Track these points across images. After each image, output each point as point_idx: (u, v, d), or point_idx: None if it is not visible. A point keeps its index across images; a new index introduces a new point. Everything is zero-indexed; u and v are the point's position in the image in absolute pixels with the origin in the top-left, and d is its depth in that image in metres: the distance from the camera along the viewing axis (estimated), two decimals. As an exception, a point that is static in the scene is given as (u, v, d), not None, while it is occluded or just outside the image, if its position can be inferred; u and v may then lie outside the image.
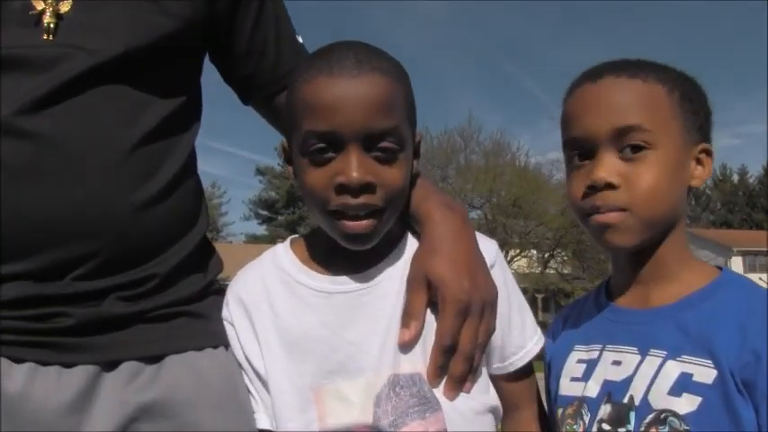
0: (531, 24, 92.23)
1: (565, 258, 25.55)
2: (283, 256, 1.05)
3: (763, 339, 0.83)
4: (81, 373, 0.89)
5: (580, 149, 0.96)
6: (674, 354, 0.89)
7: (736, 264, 44.62)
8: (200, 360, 0.98)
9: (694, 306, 0.92)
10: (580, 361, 1.00)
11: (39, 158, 0.89)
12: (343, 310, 0.99)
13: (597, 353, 0.98)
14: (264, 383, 1.00)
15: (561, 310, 1.16)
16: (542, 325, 1.13)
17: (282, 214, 52.49)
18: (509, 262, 23.20)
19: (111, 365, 0.92)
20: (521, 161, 25.31)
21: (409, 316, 0.97)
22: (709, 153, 0.97)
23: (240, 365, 1.02)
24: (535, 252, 25.26)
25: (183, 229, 1.02)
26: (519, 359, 1.04)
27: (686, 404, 0.85)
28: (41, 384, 0.88)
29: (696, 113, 0.96)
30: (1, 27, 0.92)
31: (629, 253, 0.98)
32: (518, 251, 23.92)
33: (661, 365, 0.89)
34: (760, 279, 43.31)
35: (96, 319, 0.91)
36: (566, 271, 25.96)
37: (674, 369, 0.88)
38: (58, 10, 0.93)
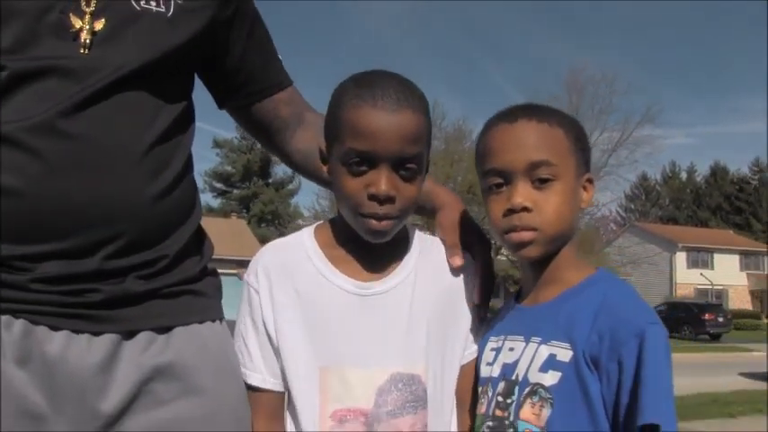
0: (498, 12, 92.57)
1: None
2: (309, 244, 1.21)
3: (606, 323, 1.02)
4: (107, 340, 1.04)
5: (499, 178, 1.14)
6: (546, 339, 1.09)
7: (681, 259, 45.95)
8: (201, 331, 1.14)
9: (566, 301, 1.11)
10: (492, 349, 1.20)
11: (75, 155, 1.02)
12: (359, 308, 1.16)
13: (501, 342, 1.19)
14: (275, 349, 1.17)
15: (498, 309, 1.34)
16: (492, 310, 1.33)
17: (237, 188, 52.08)
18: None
19: (130, 334, 1.07)
20: (478, 148, 25.67)
21: (456, 248, 1.24)
22: (591, 181, 1.18)
23: (256, 328, 1.20)
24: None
25: (185, 217, 1.16)
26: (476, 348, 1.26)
27: (550, 378, 1.05)
28: (75, 349, 1.02)
29: (584, 150, 1.17)
30: (38, 37, 1.04)
31: (531, 266, 1.18)
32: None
33: (537, 349, 1.09)
34: (701, 275, 44.47)
35: (120, 296, 1.06)
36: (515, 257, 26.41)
37: (544, 351, 1.08)
38: (94, 28, 1.06)
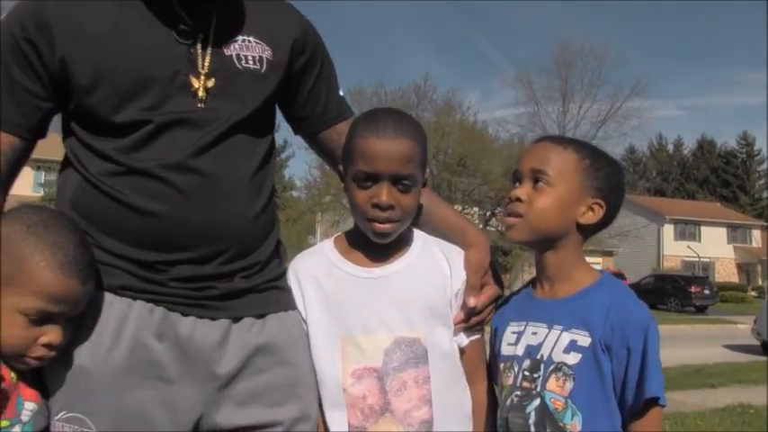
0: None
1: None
2: (329, 248, 1.53)
3: (617, 318, 1.32)
4: (221, 324, 1.36)
5: (515, 177, 1.48)
6: (567, 328, 1.37)
7: (668, 231, 46.20)
8: (286, 318, 1.46)
9: (582, 298, 1.40)
10: (513, 332, 1.47)
11: (201, 186, 1.33)
12: (367, 289, 1.46)
13: (523, 326, 1.45)
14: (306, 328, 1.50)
15: (506, 295, 1.58)
16: None
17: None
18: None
19: (237, 320, 1.39)
20: (469, 121, 25.59)
21: (475, 290, 1.48)
22: (600, 206, 1.43)
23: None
24: (477, 210, 25.74)
25: (271, 230, 1.48)
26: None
27: (572, 358, 1.34)
28: (199, 330, 1.34)
29: (597, 178, 1.43)
30: (170, 97, 1.33)
31: (538, 258, 1.48)
32: (461, 208, 24.36)
33: (559, 335, 1.37)
34: (688, 247, 44.72)
35: (230, 291, 1.38)
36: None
37: (566, 337, 1.36)
38: (207, 86, 1.36)
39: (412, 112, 24.40)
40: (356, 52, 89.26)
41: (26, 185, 32.37)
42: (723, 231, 48.29)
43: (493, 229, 25.96)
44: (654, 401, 1.30)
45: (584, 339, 1.34)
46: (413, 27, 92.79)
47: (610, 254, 40.58)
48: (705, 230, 47.33)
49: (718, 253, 46.55)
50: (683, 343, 12.86)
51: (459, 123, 24.83)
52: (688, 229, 47.14)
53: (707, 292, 29.97)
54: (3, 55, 1.30)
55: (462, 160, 23.10)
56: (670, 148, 71.27)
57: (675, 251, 45.57)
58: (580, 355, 1.33)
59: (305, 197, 26.93)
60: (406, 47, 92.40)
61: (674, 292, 29.83)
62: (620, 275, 34.90)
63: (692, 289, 29.50)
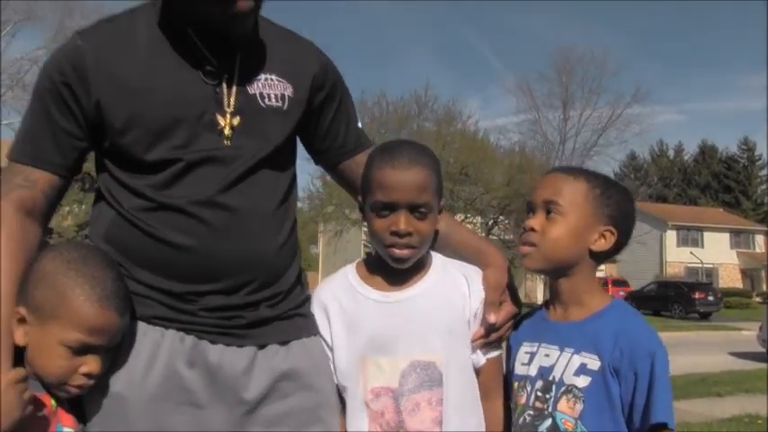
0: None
1: (507, 226, 26.16)
2: (350, 273, 1.59)
3: (626, 343, 1.38)
4: (248, 351, 1.43)
5: (529, 207, 1.54)
6: (578, 351, 1.42)
7: (671, 237, 46.15)
8: (308, 344, 1.52)
9: (592, 322, 1.45)
10: (526, 352, 1.53)
11: (228, 221, 1.39)
12: (386, 313, 1.51)
13: (536, 347, 1.51)
14: (330, 350, 1.55)
15: (523, 315, 1.62)
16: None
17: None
18: (454, 228, 23.58)
19: (262, 347, 1.45)
20: (470, 130, 25.63)
21: (495, 306, 1.53)
22: (612, 233, 1.49)
23: None
24: (480, 219, 25.76)
25: (293, 259, 1.53)
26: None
27: (582, 381, 1.40)
28: (228, 357, 1.40)
29: (608, 205, 1.49)
30: (198, 135, 1.40)
31: (552, 283, 1.54)
32: (463, 218, 24.36)
33: (570, 358, 1.43)
34: (691, 253, 44.60)
35: (256, 320, 1.44)
36: (508, 238, 26.64)
37: (577, 360, 1.42)
38: (233, 124, 1.42)
39: (413, 122, 24.58)
40: (357, 62, 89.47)
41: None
42: (726, 237, 48.21)
43: (495, 237, 26.00)
44: (662, 426, 1.34)
45: (594, 363, 1.39)
46: (414, 35, 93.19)
47: (613, 261, 40.40)
48: (708, 236, 47.26)
49: (722, 259, 46.46)
50: (687, 350, 12.76)
51: (460, 132, 24.89)
52: (691, 235, 47.08)
53: (711, 298, 29.79)
54: (43, 98, 1.39)
55: (464, 169, 23.13)
56: (671, 153, 71.28)
57: (678, 257, 45.51)
58: (590, 379, 1.38)
59: (307, 207, 26.98)
60: (406, 55, 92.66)
61: (678, 299, 29.72)
62: (623, 282, 35.02)
63: (696, 295, 29.36)
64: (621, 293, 34.08)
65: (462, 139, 24.44)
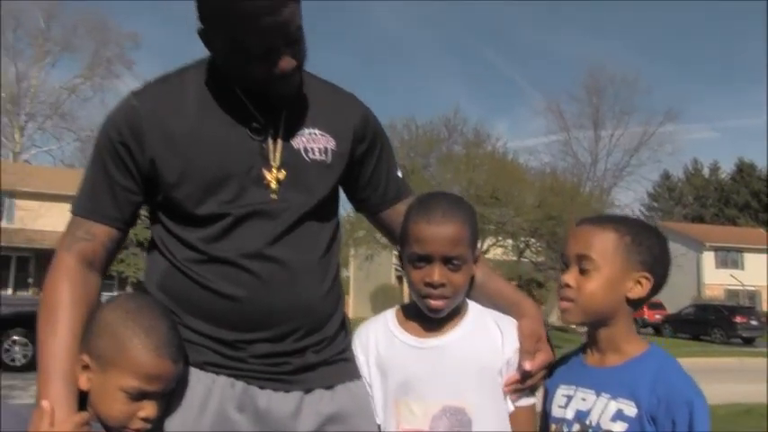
0: (512, 8, 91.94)
1: (539, 248, 25.86)
2: (390, 318, 1.66)
3: (663, 390, 1.38)
4: (295, 396, 1.49)
5: (563, 260, 1.56)
6: (614, 396, 1.43)
7: (708, 259, 45.11)
8: (353, 387, 1.57)
9: (629, 369, 1.46)
10: (563, 395, 1.55)
11: (276, 272, 1.46)
12: (420, 358, 1.56)
13: (573, 391, 1.53)
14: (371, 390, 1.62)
15: (557, 359, 1.64)
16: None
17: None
18: (485, 251, 23.39)
19: (308, 391, 1.50)
20: (499, 152, 25.51)
21: (530, 355, 1.56)
22: (647, 279, 1.49)
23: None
24: (511, 241, 25.51)
25: (337, 306, 1.60)
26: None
27: (619, 427, 1.40)
28: (275, 402, 1.47)
29: (639, 252, 1.49)
30: (246, 189, 1.47)
31: (590, 330, 1.55)
32: (494, 240, 24.15)
33: (606, 403, 1.44)
34: (731, 275, 43.52)
35: (303, 366, 1.51)
36: (540, 260, 26.30)
37: (613, 406, 1.42)
38: (279, 178, 1.49)
39: (442, 146, 24.61)
40: (386, 87, 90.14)
41: (62, 223, 33.09)
42: (768, 258, 46.96)
43: (527, 260, 25.71)
44: None
45: (631, 410, 1.40)
46: (442, 58, 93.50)
47: (649, 283, 39.65)
48: (749, 257, 46.04)
49: (765, 281, 45.19)
50: (730, 377, 12.25)
51: (489, 155, 24.78)
52: (730, 257, 45.96)
53: (754, 322, 28.71)
54: (102, 156, 1.48)
55: (494, 192, 22.97)
56: (706, 172, 69.97)
57: (717, 279, 44.37)
58: (626, 425, 1.39)
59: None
60: (435, 78, 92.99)
61: (718, 323, 28.78)
62: (659, 305, 34.29)
63: (738, 319, 28.36)
64: (658, 316, 33.49)
65: (492, 162, 24.31)
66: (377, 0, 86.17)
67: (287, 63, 1.41)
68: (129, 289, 28.06)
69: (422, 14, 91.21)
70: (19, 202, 33.00)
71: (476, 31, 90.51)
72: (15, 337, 12.44)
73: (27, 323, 12.32)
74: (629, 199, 68.89)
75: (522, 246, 25.22)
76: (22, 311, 12.80)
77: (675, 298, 37.94)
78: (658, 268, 1.51)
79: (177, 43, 79.37)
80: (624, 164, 41.22)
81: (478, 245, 1.62)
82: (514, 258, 25.68)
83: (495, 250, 24.58)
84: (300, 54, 1.45)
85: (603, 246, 1.49)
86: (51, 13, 45.04)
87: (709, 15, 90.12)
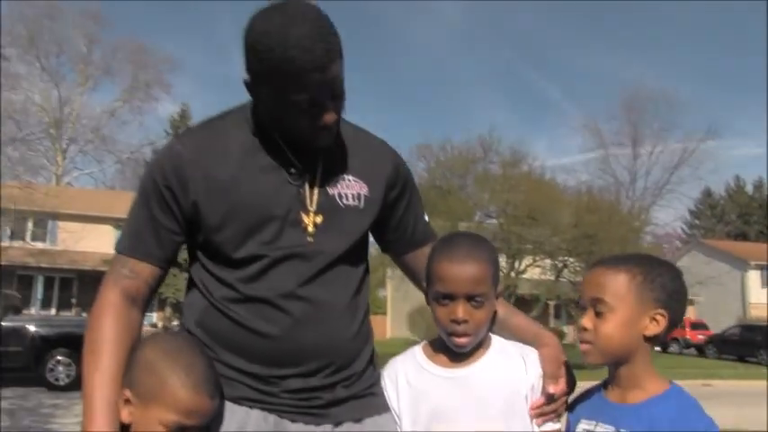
0: (548, 25, 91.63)
1: (577, 269, 25.52)
2: (418, 352, 1.73)
3: (681, 429, 1.41)
4: (325, 429, 1.55)
5: (579, 305, 1.61)
6: None
7: (754, 278, 43.87)
8: (380, 420, 1.63)
9: (649, 407, 1.50)
10: (584, 429, 1.59)
11: (309, 312, 1.53)
12: (449, 388, 1.64)
13: (593, 425, 1.57)
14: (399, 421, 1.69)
15: (579, 394, 1.70)
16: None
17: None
18: (522, 271, 23.16)
19: (338, 424, 1.57)
20: (536, 172, 25.33)
21: (554, 379, 1.64)
22: (663, 315, 1.52)
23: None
24: (549, 261, 25.22)
25: (366, 343, 1.67)
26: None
27: None
28: None
29: (652, 290, 1.53)
30: (283, 232, 1.54)
31: (610, 368, 1.59)
32: (532, 260, 23.90)
33: None
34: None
35: (333, 400, 1.57)
36: (578, 280, 25.92)
37: None
38: (316, 222, 1.57)
39: (478, 165, 24.49)
40: (422, 107, 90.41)
41: (109, 244, 33.72)
42: (817, 277, 45.49)
43: (565, 279, 25.36)
44: None
45: None
46: (478, 77, 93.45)
47: (690, 302, 38.95)
48: (797, 276, 44.70)
49: (814, 301, 43.79)
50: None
51: (526, 175, 24.60)
52: (776, 275, 44.69)
53: (803, 343, 27.87)
54: (147, 197, 1.56)
55: (531, 212, 22.75)
56: (749, 189, 68.44)
57: (763, 299, 43.01)
58: None
59: (375, 253, 27.10)
60: (471, 97, 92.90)
61: (765, 344, 27.95)
62: (701, 325, 33.49)
63: (786, 340, 27.56)
64: (701, 337, 32.65)
65: (529, 182, 24.12)
66: (411, 19, 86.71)
67: (330, 117, 1.49)
68: (168, 310, 28.43)
69: (459, 34, 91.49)
70: (62, 224, 33.81)
71: (513, 50, 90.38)
72: (59, 357, 12.69)
73: (70, 343, 12.59)
74: (670, 217, 67.71)
75: (560, 265, 24.90)
76: (66, 332, 13.07)
77: (719, 318, 37.10)
78: (673, 303, 1.54)
79: (214, 66, 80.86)
80: (664, 181, 40.63)
81: (500, 280, 1.68)
82: (552, 278, 25.35)
83: (533, 270, 24.30)
84: (341, 107, 1.53)
85: (616, 288, 1.53)
86: (93, 38, 46.45)
87: (752, 28, 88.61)
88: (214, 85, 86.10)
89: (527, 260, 23.84)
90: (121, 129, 53.90)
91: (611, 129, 42.60)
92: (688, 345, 32.69)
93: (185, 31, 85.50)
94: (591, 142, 43.48)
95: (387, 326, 39.38)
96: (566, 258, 24.26)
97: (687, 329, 33.45)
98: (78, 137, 45.78)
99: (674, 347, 33.48)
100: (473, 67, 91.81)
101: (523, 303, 22.76)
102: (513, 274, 22.77)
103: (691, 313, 36.96)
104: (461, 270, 1.58)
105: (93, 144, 46.36)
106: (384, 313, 39.66)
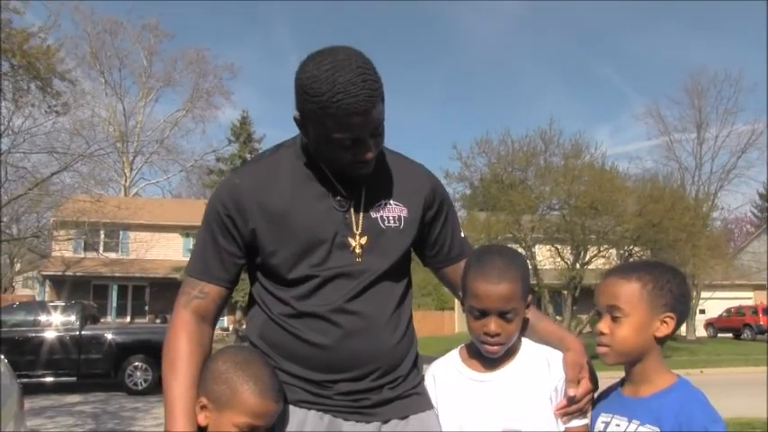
0: (608, 12, 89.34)
1: (643, 257, 24.92)
2: (454, 356, 1.91)
3: (685, 419, 1.57)
4: (374, 426, 1.73)
5: (596, 311, 1.77)
6: (643, 422, 1.64)
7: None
8: (424, 417, 1.80)
9: (657, 398, 1.66)
10: (603, 422, 1.76)
11: (356, 324, 1.71)
12: (481, 390, 1.80)
13: (610, 418, 1.74)
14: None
15: (601, 391, 1.84)
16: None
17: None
18: (587, 262, 22.80)
19: (386, 422, 1.74)
20: (598, 162, 24.86)
21: (575, 383, 1.77)
22: (672, 318, 1.69)
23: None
24: (614, 251, 24.76)
25: (410, 350, 1.84)
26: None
27: None
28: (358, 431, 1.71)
29: (662, 296, 1.69)
30: (332, 254, 1.72)
31: (626, 367, 1.75)
32: (596, 251, 23.51)
33: (636, 428, 1.64)
34: None
35: (380, 401, 1.75)
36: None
37: (641, 430, 1.63)
38: (362, 244, 1.75)
39: (539, 158, 24.13)
40: (483, 100, 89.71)
41: (177, 252, 34.71)
42: None
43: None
44: None
45: None
46: (539, 68, 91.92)
47: (761, 287, 37.65)
48: None
49: None
50: None
51: (588, 165, 24.15)
52: None
53: None
54: (211, 226, 1.77)
55: (594, 203, 22.35)
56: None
57: (842, 283, 41.23)
58: None
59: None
60: (533, 88, 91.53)
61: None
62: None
63: None
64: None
65: (591, 172, 23.68)
66: (469, 12, 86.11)
67: (369, 154, 1.67)
68: (238, 314, 29.06)
69: (518, 26, 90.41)
70: (132, 234, 35.06)
71: (574, 38, 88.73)
72: (136, 363, 13.22)
73: (146, 349, 13.17)
74: (738, 201, 65.42)
75: (625, 255, 24.42)
76: (142, 338, 13.69)
77: (796, 304, 35.57)
78: (680, 306, 1.70)
79: (271, 71, 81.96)
80: (731, 166, 39.14)
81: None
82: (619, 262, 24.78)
83: (598, 261, 23.86)
84: (380, 143, 1.71)
85: (629, 295, 1.69)
86: (152, 50, 47.80)
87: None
88: (271, 90, 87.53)
89: (592, 251, 23.44)
90: (185, 138, 55.34)
91: (674, 115, 41.40)
92: (761, 331, 31.61)
93: (241, 37, 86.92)
94: (654, 129, 42.32)
95: (455, 321, 39.37)
96: (631, 247, 23.79)
97: (760, 315, 32.41)
98: (143, 148, 47.17)
99: (746, 333, 32.51)
100: (533, 58, 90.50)
101: (589, 294, 22.17)
102: (578, 265, 22.41)
103: (763, 298, 35.71)
104: (495, 289, 1.72)
105: (159, 154, 47.68)
106: (452, 309, 39.68)
